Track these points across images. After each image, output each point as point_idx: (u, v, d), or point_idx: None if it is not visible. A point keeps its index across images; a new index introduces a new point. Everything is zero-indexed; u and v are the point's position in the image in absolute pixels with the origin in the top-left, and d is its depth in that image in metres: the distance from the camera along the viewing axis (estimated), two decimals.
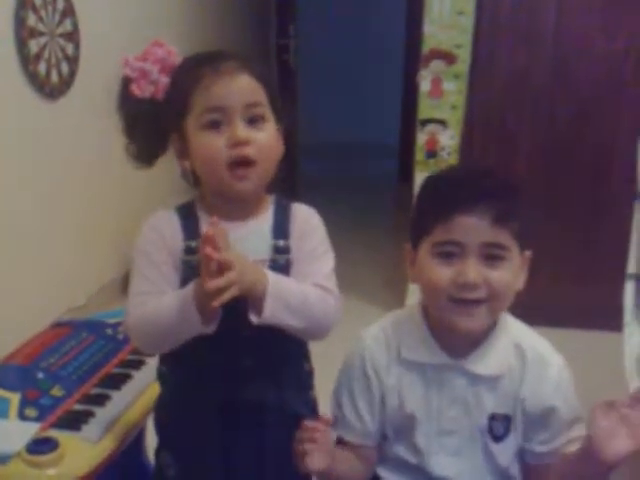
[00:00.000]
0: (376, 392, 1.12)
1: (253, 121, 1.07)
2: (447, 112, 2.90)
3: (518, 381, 1.08)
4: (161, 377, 1.20)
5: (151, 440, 1.37)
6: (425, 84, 2.89)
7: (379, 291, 3.35)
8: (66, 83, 2.12)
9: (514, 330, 1.12)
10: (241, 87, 1.06)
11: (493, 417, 1.09)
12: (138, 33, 2.63)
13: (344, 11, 6.52)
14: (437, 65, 2.86)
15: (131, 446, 1.35)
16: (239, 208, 1.11)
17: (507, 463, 1.12)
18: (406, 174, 3.80)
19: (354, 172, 5.90)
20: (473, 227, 1.01)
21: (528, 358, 1.09)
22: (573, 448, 1.07)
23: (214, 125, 1.05)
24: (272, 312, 1.01)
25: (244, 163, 1.05)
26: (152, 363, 1.47)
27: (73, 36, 2.15)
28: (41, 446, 1.13)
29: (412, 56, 4.40)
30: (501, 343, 1.09)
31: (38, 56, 1.96)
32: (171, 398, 1.18)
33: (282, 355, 1.14)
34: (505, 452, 1.11)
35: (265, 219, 1.12)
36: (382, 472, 1.17)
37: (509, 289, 1.05)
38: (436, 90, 2.88)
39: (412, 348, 1.11)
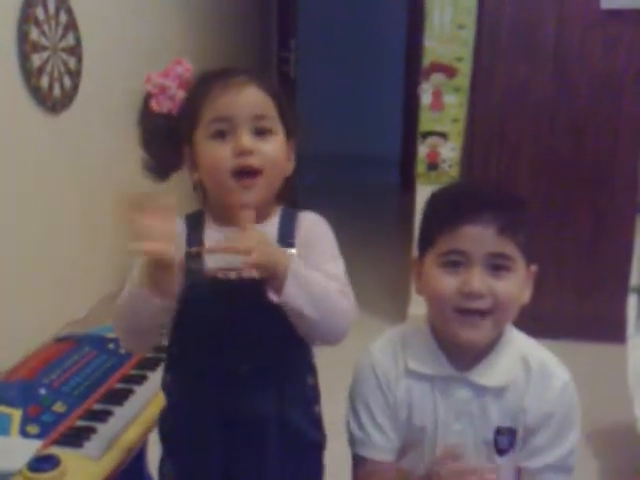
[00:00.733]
0: (393, 405, 1.11)
1: (260, 133, 1.06)
2: (448, 125, 2.91)
3: (522, 392, 1.08)
4: (164, 386, 1.20)
5: (153, 454, 1.36)
6: (426, 97, 2.90)
7: (381, 302, 3.34)
8: (68, 97, 2.12)
9: (520, 342, 1.12)
10: (249, 98, 1.06)
11: (499, 431, 1.08)
12: (140, 48, 2.64)
13: (345, 24, 6.56)
14: (438, 78, 2.87)
15: (133, 461, 1.35)
16: None
17: (509, 477, 1.11)
18: (408, 186, 3.81)
19: (355, 183, 5.90)
20: (478, 236, 1.01)
21: (533, 370, 1.08)
22: (570, 460, 1.07)
23: (220, 135, 1.05)
24: (292, 293, 0.99)
25: (250, 173, 1.05)
26: (154, 378, 1.46)
27: (76, 50, 2.15)
28: (43, 464, 1.13)
29: (412, 68, 4.43)
30: (507, 355, 1.09)
31: (40, 70, 1.96)
32: (173, 408, 1.18)
33: (285, 367, 1.12)
34: (507, 466, 1.10)
35: (271, 225, 1.11)
36: None
37: (514, 301, 1.05)
38: (437, 103, 2.89)
39: (419, 359, 1.10)
